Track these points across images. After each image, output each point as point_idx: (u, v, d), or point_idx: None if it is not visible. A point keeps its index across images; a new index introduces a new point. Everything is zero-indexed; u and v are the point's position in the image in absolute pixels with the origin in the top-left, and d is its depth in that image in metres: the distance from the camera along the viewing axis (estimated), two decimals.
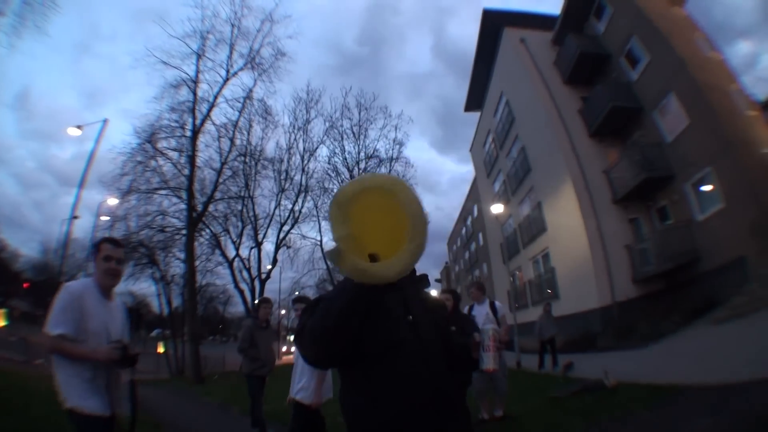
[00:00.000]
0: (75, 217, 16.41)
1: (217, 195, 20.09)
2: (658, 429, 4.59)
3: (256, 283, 22.47)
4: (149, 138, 17.95)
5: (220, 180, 19.89)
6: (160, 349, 26.76)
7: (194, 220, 18.61)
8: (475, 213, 35.26)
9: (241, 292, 21.97)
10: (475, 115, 30.80)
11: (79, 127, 15.66)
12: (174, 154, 18.87)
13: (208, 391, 12.55)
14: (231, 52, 19.96)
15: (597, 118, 16.05)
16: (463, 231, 42.49)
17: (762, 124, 12.61)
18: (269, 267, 23.60)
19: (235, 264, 21.93)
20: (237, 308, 34.08)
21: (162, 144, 18.53)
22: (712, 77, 12.82)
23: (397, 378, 1.25)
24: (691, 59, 13.00)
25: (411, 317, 1.40)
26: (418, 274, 1.57)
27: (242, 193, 21.43)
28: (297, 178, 22.88)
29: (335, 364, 1.38)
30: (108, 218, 19.15)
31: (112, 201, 18.51)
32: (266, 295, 21.00)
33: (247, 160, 21.26)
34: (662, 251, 13.15)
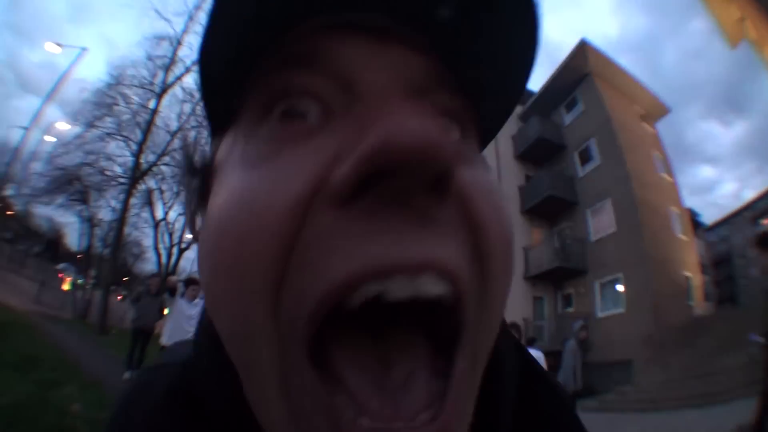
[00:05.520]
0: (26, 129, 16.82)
1: (166, 159, 19.77)
2: None
3: (174, 250, 22.59)
4: (118, 80, 18.18)
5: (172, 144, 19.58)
6: (66, 286, 25.85)
7: (137, 175, 18.71)
8: None
9: (159, 256, 21.97)
10: None
11: (59, 44, 16.36)
12: (137, 105, 18.91)
13: (113, 343, 11.80)
14: None
15: (533, 199, 16.84)
16: None
17: (691, 249, 14.09)
18: (190, 236, 22.28)
19: (160, 227, 22.13)
20: (148, 266, 33.12)
21: (128, 92, 18.67)
22: (654, 195, 14.20)
23: None
24: (639, 176, 14.29)
25: None
26: None
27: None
28: None
29: None
30: (54, 140, 19.24)
31: (63, 125, 18.68)
32: (181, 263, 22.53)
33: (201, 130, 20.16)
34: (557, 333, 13.91)
